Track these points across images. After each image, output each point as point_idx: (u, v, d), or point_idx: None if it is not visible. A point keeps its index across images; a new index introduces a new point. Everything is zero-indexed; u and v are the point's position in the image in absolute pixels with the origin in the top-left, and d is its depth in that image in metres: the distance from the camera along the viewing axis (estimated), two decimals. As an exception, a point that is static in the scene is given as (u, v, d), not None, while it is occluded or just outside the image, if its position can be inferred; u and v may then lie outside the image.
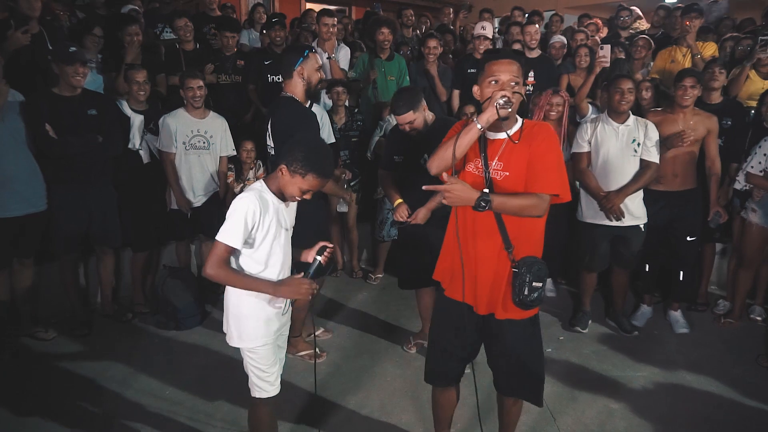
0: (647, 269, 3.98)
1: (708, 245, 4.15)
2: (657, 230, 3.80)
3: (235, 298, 2.13)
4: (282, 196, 2.11)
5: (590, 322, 3.92)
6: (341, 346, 3.64)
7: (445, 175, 1.93)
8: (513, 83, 2.01)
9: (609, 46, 4.48)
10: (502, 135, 2.07)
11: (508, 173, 2.06)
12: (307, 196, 2.08)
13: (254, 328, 2.13)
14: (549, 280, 4.51)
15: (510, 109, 1.95)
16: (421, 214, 3.07)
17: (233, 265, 2.07)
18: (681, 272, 3.90)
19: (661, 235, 3.82)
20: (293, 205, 2.23)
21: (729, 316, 4.00)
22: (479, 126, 1.96)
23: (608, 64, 4.42)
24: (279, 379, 2.26)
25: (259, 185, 2.10)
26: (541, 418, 2.94)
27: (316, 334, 3.67)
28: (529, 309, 2.10)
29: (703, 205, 3.84)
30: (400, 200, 3.20)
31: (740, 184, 3.83)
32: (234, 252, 2.03)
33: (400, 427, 2.87)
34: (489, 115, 1.95)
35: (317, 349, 3.50)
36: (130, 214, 3.86)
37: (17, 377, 3.22)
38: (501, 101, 1.93)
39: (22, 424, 2.84)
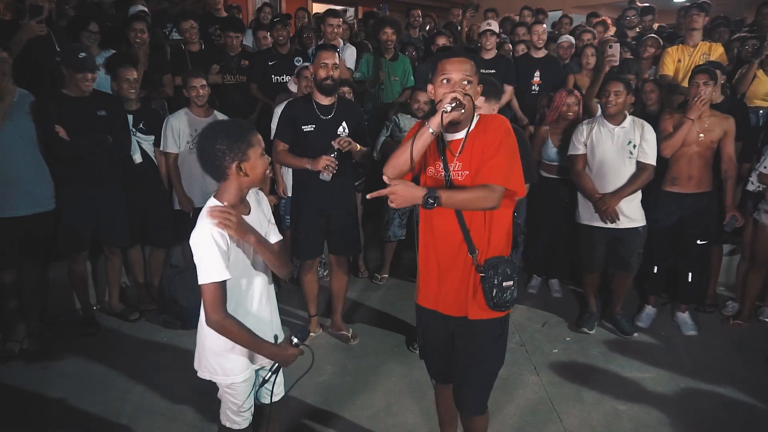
0: (655, 271, 3.95)
1: (716, 246, 4.12)
2: (668, 232, 3.77)
3: (212, 333, 1.93)
4: (241, 205, 1.94)
5: (597, 323, 3.90)
6: (347, 346, 3.63)
7: (385, 178, 1.91)
8: (465, 82, 1.95)
9: (618, 44, 4.46)
10: (461, 134, 2.01)
11: (468, 172, 2.01)
12: (267, 158, 1.93)
13: (239, 363, 2.00)
14: (555, 281, 4.49)
15: (463, 111, 1.90)
16: None
17: None
18: (689, 274, 3.87)
19: (671, 236, 3.80)
20: (258, 207, 2.05)
21: (737, 317, 3.96)
22: (431, 131, 1.90)
23: (617, 63, 4.41)
24: (252, 410, 2.17)
25: (211, 205, 1.88)
26: (548, 419, 2.93)
27: (349, 335, 3.69)
28: (506, 310, 2.07)
29: (718, 208, 3.80)
30: None
31: (753, 185, 3.79)
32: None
33: (405, 427, 2.86)
34: (438, 119, 1.88)
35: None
36: (133, 212, 3.82)
37: (24, 376, 3.24)
38: (448, 107, 1.86)
39: (26, 423, 2.85)
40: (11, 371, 3.27)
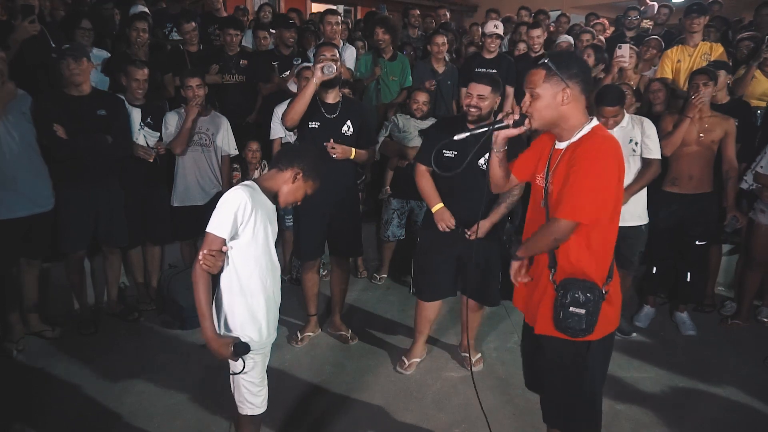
0: (654, 271, 3.95)
1: (714, 246, 4.13)
2: (667, 232, 3.77)
3: (228, 313, 2.06)
4: (273, 198, 2.09)
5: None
6: (346, 346, 3.63)
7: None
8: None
9: (627, 45, 4.46)
10: (563, 145, 1.95)
11: (554, 187, 1.96)
12: (300, 201, 2.15)
13: (253, 336, 2.06)
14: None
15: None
16: (484, 228, 2.92)
17: (234, 268, 2.02)
18: (688, 274, 3.88)
19: (671, 236, 3.80)
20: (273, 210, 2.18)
21: (736, 317, 3.97)
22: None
23: (627, 64, 4.40)
24: (266, 391, 2.20)
25: (251, 184, 2.04)
26: (546, 419, 2.92)
27: (348, 335, 3.68)
28: (569, 335, 1.93)
29: (718, 209, 3.80)
30: (441, 205, 2.98)
31: (747, 183, 3.80)
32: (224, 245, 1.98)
33: (404, 427, 2.86)
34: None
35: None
36: (131, 211, 3.81)
37: (23, 376, 3.24)
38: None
39: (25, 422, 2.84)
40: (9, 371, 3.27)
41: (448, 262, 3.12)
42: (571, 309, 1.88)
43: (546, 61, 1.91)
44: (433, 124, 3.57)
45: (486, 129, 2.01)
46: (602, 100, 3.38)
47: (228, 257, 2.01)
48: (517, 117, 1.94)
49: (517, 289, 2.19)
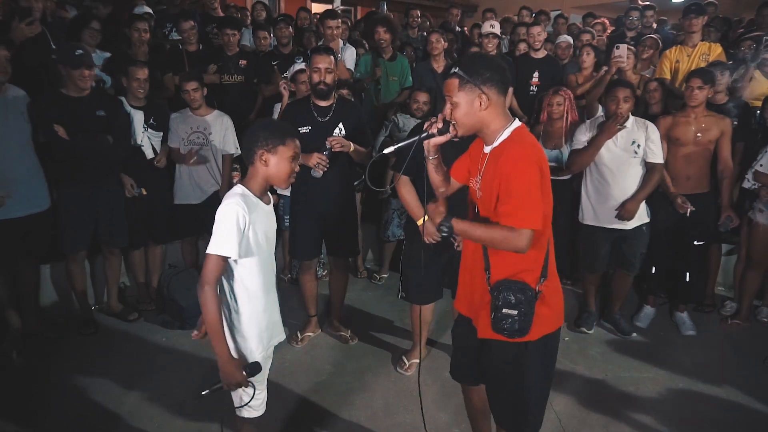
0: (654, 271, 3.95)
1: (714, 246, 4.13)
2: (666, 232, 3.77)
3: (229, 315, 2.04)
4: (264, 198, 2.04)
5: (596, 323, 3.90)
6: (345, 347, 3.63)
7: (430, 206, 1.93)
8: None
9: (625, 45, 4.45)
10: (488, 149, 1.95)
11: (482, 193, 1.97)
12: (296, 167, 2.04)
13: (253, 343, 2.05)
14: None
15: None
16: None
17: (232, 276, 2.00)
18: (687, 274, 3.88)
19: (669, 237, 3.80)
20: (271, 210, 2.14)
21: (736, 317, 3.98)
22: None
23: (624, 64, 4.40)
24: (265, 401, 2.20)
25: (240, 189, 1.97)
26: (546, 419, 2.88)
27: (348, 336, 3.69)
28: (505, 336, 1.93)
29: (715, 208, 3.81)
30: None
31: (749, 182, 3.81)
32: (228, 263, 1.95)
33: (404, 427, 2.86)
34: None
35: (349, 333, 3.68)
36: (132, 211, 3.81)
37: (22, 376, 3.24)
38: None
39: (25, 422, 2.85)
40: (9, 371, 3.27)
41: (436, 268, 3.14)
42: (504, 311, 1.89)
43: (456, 70, 1.88)
44: (410, 132, 3.58)
45: (414, 140, 2.01)
46: (615, 85, 3.53)
47: (234, 269, 1.99)
48: (440, 125, 1.95)
49: (458, 294, 2.19)
